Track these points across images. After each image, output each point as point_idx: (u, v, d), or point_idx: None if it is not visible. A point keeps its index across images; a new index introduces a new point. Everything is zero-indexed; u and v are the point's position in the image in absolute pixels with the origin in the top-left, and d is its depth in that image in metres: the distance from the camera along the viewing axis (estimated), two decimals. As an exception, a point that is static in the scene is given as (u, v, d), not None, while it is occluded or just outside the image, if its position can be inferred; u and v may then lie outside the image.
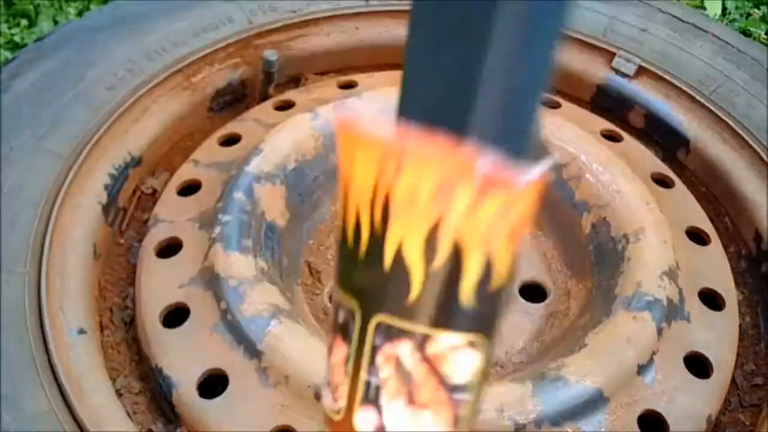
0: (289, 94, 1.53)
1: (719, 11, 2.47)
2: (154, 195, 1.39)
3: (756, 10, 2.48)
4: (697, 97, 1.49)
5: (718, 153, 1.45)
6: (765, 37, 2.36)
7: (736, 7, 2.52)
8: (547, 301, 1.30)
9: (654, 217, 1.27)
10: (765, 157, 1.39)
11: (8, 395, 1.04)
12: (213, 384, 1.10)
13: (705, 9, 2.46)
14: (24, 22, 2.19)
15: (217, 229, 1.22)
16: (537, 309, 1.28)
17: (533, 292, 1.31)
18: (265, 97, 1.54)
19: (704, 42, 1.57)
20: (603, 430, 1.05)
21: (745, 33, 2.32)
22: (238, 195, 1.25)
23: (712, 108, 1.48)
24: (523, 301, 1.29)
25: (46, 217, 1.22)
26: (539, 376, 1.07)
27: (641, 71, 1.55)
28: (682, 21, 1.60)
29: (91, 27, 1.50)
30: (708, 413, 1.12)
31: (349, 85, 1.53)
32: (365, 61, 1.65)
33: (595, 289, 1.25)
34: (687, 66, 1.54)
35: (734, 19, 2.46)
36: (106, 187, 1.32)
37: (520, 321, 1.27)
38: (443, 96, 0.54)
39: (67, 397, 1.05)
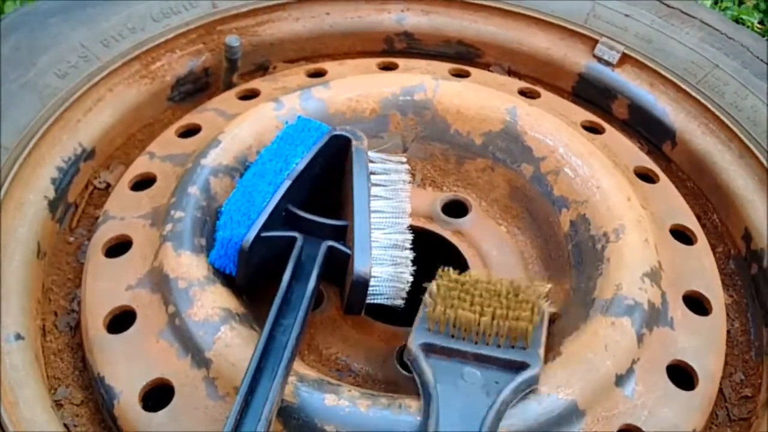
0: (254, 83, 1.44)
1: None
2: (108, 190, 1.31)
3: (749, -2, 2.41)
4: (684, 87, 1.42)
5: (705, 146, 1.38)
6: (759, 26, 2.29)
7: (729, -5, 2.44)
8: (523, 303, 1.22)
9: (635, 215, 1.19)
10: (754, 150, 1.32)
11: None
12: (159, 395, 1.02)
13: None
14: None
15: (168, 227, 1.13)
16: (511, 312, 1.20)
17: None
18: (229, 86, 1.46)
19: (691, 28, 1.49)
20: (578, 448, 0.97)
21: (738, 21, 2.25)
22: (193, 190, 1.17)
23: (699, 98, 1.40)
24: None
25: (-13, 213, 1.14)
26: (509, 388, 0.99)
27: (625, 59, 1.47)
28: (668, 6, 1.52)
29: (43, 11, 1.42)
30: (692, 428, 1.04)
31: (318, 73, 1.44)
32: (337, 48, 1.58)
33: (573, 291, 1.17)
34: (673, 53, 1.46)
35: (727, 7, 2.39)
36: (53, 180, 1.25)
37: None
38: None
39: (-3, 410, 0.97)
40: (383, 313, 1.14)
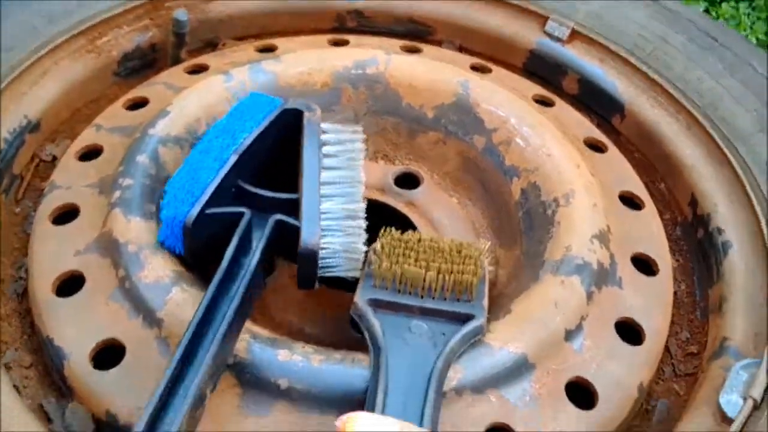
0: (203, 58, 1.43)
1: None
2: (54, 162, 1.29)
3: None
4: (633, 61, 1.43)
5: (653, 117, 1.40)
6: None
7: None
8: (474, 270, 1.22)
9: (584, 180, 1.20)
10: (702, 120, 1.33)
11: None
12: (111, 355, 1.01)
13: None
14: None
15: (117, 194, 1.12)
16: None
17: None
18: (176, 62, 1.45)
19: (640, 3, 1.51)
20: (528, 397, 0.98)
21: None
22: (142, 158, 1.16)
23: (647, 71, 1.42)
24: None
25: (-71, 183, 1.13)
26: (460, 343, 0.99)
27: (575, 35, 1.48)
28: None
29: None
30: (639, 381, 1.05)
31: (268, 49, 1.43)
32: (287, 25, 1.57)
33: (524, 256, 1.17)
34: (622, 29, 1.48)
35: (673, -4, 2.41)
36: (-2, 152, 1.23)
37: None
38: None
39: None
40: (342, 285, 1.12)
